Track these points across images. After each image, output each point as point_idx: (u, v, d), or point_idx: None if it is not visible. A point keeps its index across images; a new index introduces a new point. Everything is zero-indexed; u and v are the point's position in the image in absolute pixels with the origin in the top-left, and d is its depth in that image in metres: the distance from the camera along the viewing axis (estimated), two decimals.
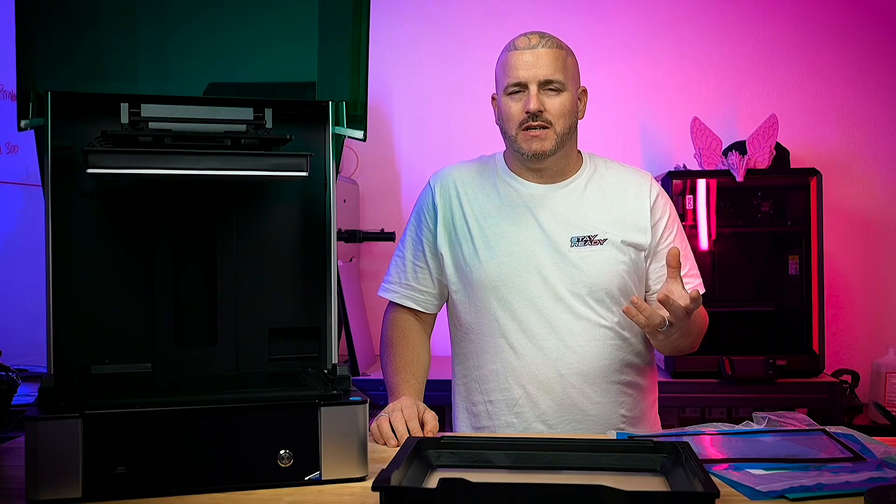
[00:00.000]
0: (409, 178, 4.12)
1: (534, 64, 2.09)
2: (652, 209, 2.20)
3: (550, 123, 2.11)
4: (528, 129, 2.11)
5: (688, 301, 1.93)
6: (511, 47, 2.14)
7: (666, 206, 2.23)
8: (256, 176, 1.67)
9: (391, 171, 4.17)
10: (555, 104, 2.11)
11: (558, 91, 2.11)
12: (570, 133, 2.16)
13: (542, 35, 2.14)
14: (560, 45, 2.14)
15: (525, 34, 2.15)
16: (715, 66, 4.07)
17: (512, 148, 2.17)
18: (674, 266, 1.98)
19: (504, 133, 2.18)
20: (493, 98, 2.24)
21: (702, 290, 2.22)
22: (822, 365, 3.56)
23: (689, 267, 2.22)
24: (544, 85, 2.10)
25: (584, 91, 2.22)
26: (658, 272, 2.20)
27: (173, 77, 1.74)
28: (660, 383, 2.35)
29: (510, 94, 2.12)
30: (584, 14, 4.08)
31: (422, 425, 1.95)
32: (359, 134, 1.77)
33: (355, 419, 1.61)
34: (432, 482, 1.54)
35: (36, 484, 1.45)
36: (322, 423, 1.59)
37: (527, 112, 2.09)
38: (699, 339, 2.21)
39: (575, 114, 2.17)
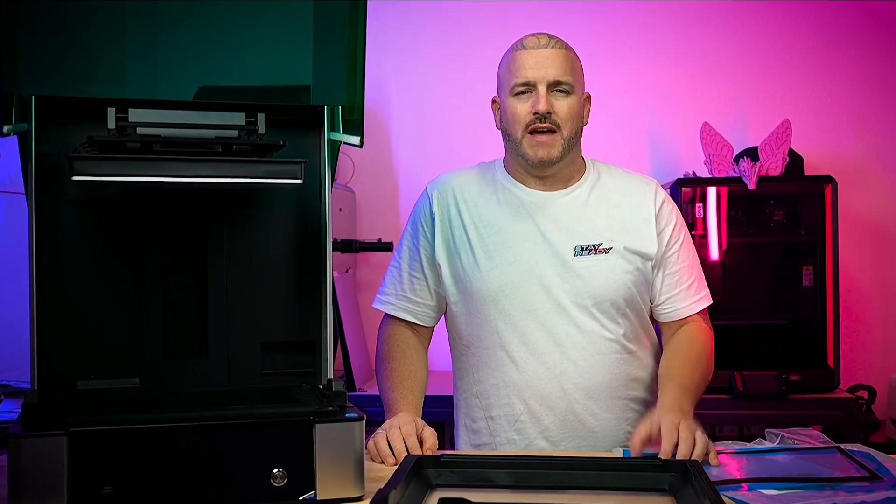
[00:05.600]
0: (408, 185, 4.13)
1: (543, 63, 2.10)
2: (658, 216, 2.20)
3: (558, 127, 2.11)
4: (534, 132, 2.11)
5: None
6: (518, 46, 2.14)
7: (672, 213, 2.23)
8: (249, 183, 1.67)
9: (389, 178, 4.18)
10: (563, 106, 2.11)
11: (567, 93, 2.12)
12: (576, 138, 2.17)
13: (550, 36, 2.15)
14: (568, 48, 2.15)
15: (533, 34, 2.16)
16: (725, 69, 4.08)
17: (516, 153, 2.17)
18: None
19: (508, 137, 2.18)
20: (493, 101, 2.24)
21: (709, 303, 2.23)
22: (837, 380, 3.56)
23: (696, 278, 2.22)
24: (553, 86, 2.10)
25: (588, 97, 2.22)
26: (665, 282, 2.20)
27: (162, 81, 1.74)
28: None
29: (517, 94, 2.13)
30: (588, 17, 4.09)
31: (420, 443, 1.94)
32: (355, 140, 1.78)
33: (351, 436, 1.61)
34: (432, 502, 1.55)
35: None
36: (317, 441, 1.59)
37: (534, 113, 2.09)
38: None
39: (581, 118, 2.17)
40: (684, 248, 2.23)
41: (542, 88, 2.10)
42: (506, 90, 2.16)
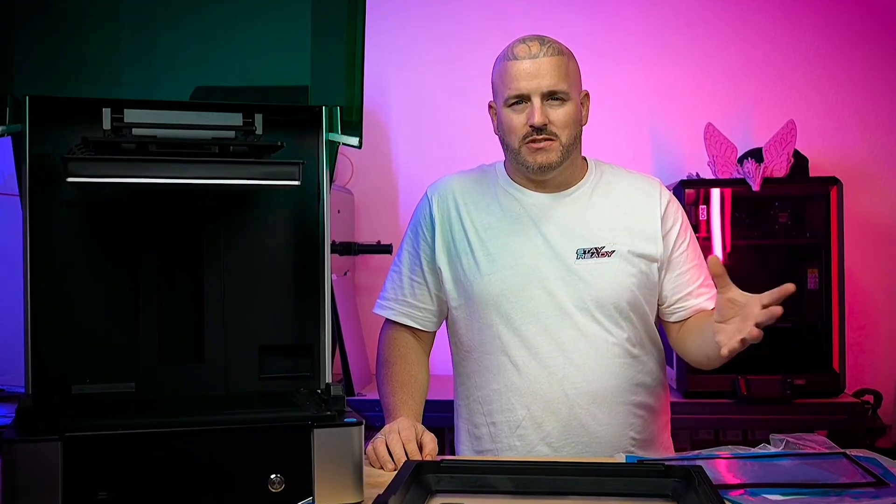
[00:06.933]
0: (407, 187, 4.13)
1: (535, 74, 2.08)
2: (663, 217, 2.19)
3: (556, 136, 2.10)
4: (532, 141, 2.10)
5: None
6: (509, 56, 2.12)
7: (678, 214, 2.23)
8: (246, 185, 1.67)
9: (388, 179, 4.18)
10: (559, 115, 2.10)
11: (562, 101, 2.10)
12: (576, 143, 2.16)
13: (541, 41, 2.12)
14: (561, 51, 2.13)
15: (523, 40, 2.13)
16: (730, 69, 4.08)
17: (515, 161, 2.16)
18: (718, 273, 1.95)
19: (506, 145, 2.17)
20: (490, 106, 2.24)
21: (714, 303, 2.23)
22: (842, 384, 3.55)
23: (704, 277, 2.22)
24: (547, 96, 2.09)
25: (587, 95, 2.21)
26: (673, 282, 2.20)
27: (158, 80, 1.74)
28: (671, 404, 2.35)
29: (511, 105, 2.12)
30: (589, 16, 4.08)
31: (420, 448, 1.94)
32: (354, 140, 1.78)
33: (350, 442, 1.61)
34: None
35: None
36: (315, 446, 1.59)
37: (531, 126, 2.09)
38: None
39: (579, 122, 2.17)
40: (691, 248, 2.23)
41: (536, 100, 2.08)
42: (500, 100, 2.15)
